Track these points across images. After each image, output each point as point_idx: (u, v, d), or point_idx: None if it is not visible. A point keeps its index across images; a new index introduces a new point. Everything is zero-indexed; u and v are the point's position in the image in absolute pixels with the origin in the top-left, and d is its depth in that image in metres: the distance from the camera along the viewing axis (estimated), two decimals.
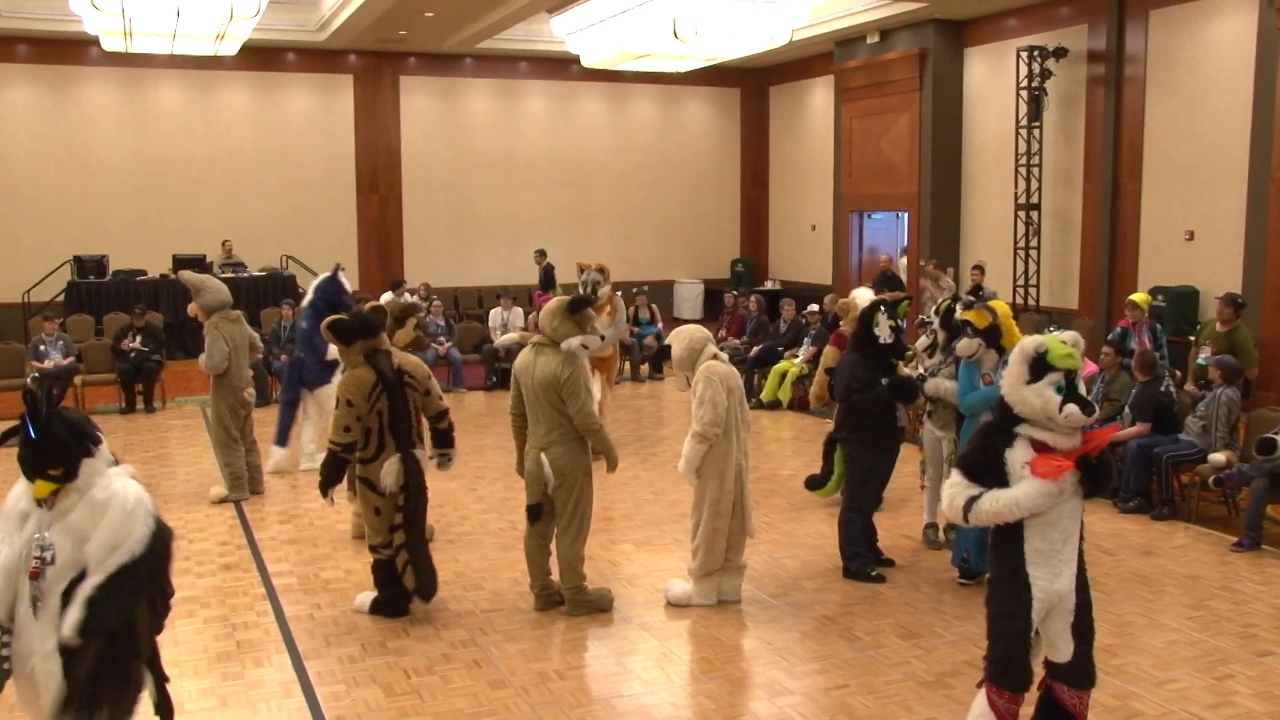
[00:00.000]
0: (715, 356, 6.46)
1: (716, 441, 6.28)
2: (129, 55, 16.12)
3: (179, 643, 5.93)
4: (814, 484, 8.58)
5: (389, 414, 6.17)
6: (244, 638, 6.10)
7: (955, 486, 4.32)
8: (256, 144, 19.10)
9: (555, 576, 6.48)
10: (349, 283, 10.03)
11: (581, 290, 9.77)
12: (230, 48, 15.02)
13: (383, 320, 6.44)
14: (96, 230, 18.00)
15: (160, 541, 3.76)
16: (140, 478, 3.91)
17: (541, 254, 17.28)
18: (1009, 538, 4.28)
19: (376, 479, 6.17)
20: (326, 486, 6.31)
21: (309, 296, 9.75)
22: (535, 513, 6.32)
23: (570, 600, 6.40)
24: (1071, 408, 4.12)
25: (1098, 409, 4.15)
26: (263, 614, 6.46)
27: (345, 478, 6.70)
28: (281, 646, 5.98)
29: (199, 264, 16.91)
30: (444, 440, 6.63)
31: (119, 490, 3.74)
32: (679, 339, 6.51)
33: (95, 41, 15.44)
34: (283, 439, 10.06)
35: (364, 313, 6.44)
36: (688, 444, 6.34)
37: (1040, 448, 4.22)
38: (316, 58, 19.16)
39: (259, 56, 18.29)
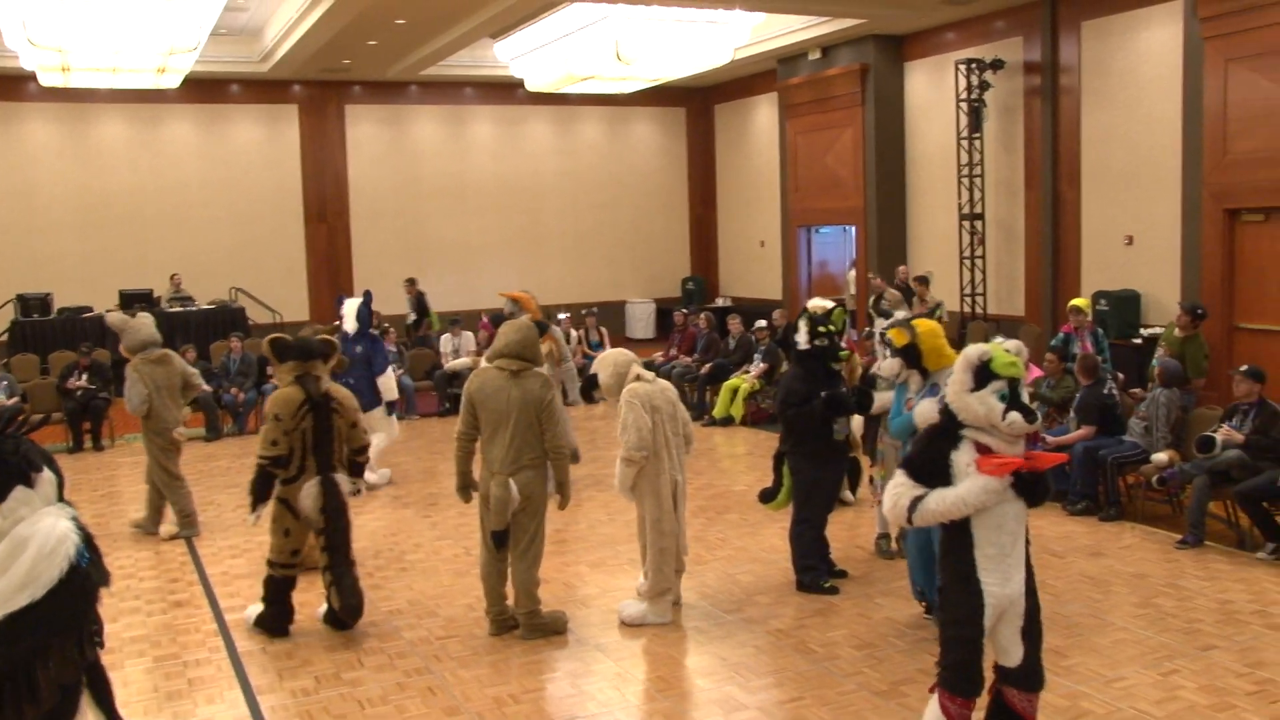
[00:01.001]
0: (639, 378, 6.53)
1: (646, 463, 6.38)
2: (69, 90, 16.00)
3: (129, 683, 5.86)
4: (765, 497, 8.63)
5: (313, 435, 6.32)
6: (196, 675, 6.04)
7: (900, 487, 4.37)
8: (202, 176, 18.98)
9: (510, 601, 6.47)
10: (349, 318, 10.44)
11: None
12: (172, 80, 14.97)
13: (325, 350, 6.56)
14: (41, 267, 17.78)
15: (73, 588, 3.66)
16: (84, 519, 3.87)
17: (411, 282, 17.29)
18: (959, 545, 4.33)
19: (294, 500, 6.33)
20: (255, 504, 6.42)
21: (351, 322, 10.03)
22: (501, 539, 6.28)
23: (525, 624, 6.40)
24: (1014, 415, 4.19)
25: (1040, 417, 4.21)
26: (215, 650, 6.40)
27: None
28: (234, 682, 5.93)
29: (146, 299, 16.78)
30: (357, 471, 6.77)
31: (44, 529, 3.67)
32: (603, 366, 6.61)
33: (33, 77, 15.31)
34: None
35: (307, 339, 6.66)
36: (618, 467, 6.47)
37: (984, 450, 4.28)
38: (261, 88, 19.09)
39: (202, 88, 18.20)
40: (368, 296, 10.35)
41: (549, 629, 6.42)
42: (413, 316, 17.30)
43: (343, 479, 6.48)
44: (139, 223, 18.59)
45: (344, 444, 6.55)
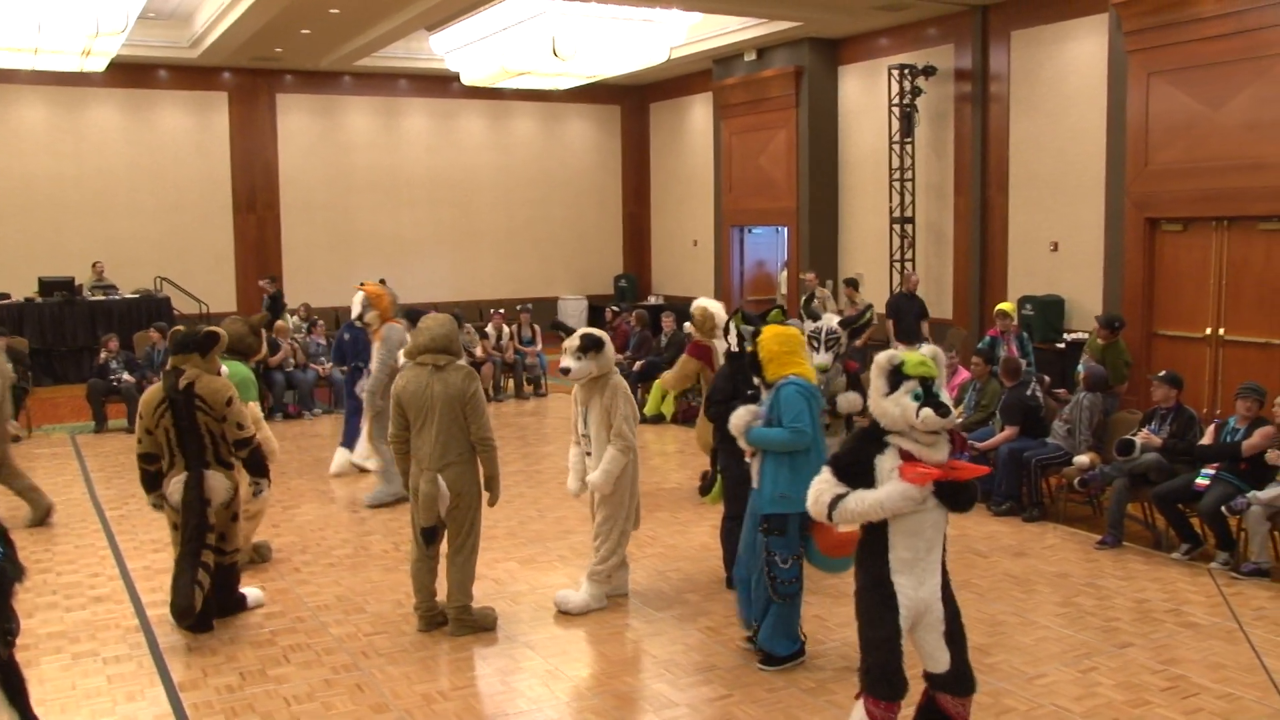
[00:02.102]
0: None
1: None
2: None
3: (45, 680, 5.72)
4: (703, 490, 8.83)
5: (174, 432, 6.27)
6: (115, 672, 5.91)
7: (823, 484, 4.40)
8: (128, 163, 18.57)
9: (441, 597, 6.44)
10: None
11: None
12: (97, 64, 14.62)
13: (201, 343, 6.41)
14: None
15: None
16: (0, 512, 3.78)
17: (271, 280, 16.81)
18: (875, 547, 4.39)
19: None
20: (147, 494, 6.47)
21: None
22: (431, 535, 6.25)
23: (454, 620, 6.36)
24: (926, 411, 4.23)
25: (954, 411, 4.27)
26: (135, 646, 6.27)
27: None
28: (156, 679, 5.81)
29: (67, 287, 16.42)
30: (253, 469, 6.62)
31: None
32: (607, 343, 6.64)
33: None
34: (349, 443, 10.54)
35: (182, 331, 6.54)
36: (613, 459, 6.47)
37: (908, 458, 4.34)
38: (190, 75, 18.73)
39: (129, 73, 17.82)
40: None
41: (478, 625, 6.39)
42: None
43: (215, 476, 6.33)
44: (61, 209, 18.14)
45: (218, 440, 6.36)
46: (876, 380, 4.38)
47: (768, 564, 5.73)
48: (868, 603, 4.41)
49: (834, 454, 4.55)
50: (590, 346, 6.50)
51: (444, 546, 6.36)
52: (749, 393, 6.85)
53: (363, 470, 10.47)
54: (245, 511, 7.22)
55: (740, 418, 5.80)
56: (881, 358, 4.41)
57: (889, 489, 4.27)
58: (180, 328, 6.73)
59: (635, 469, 6.79)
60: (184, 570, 6.21)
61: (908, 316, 13.48)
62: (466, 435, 6.19)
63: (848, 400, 7.84)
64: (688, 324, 9.73)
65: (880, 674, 4.36)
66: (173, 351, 6.44)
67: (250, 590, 6.88)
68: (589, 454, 6.66)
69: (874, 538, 4.41)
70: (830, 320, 7.96)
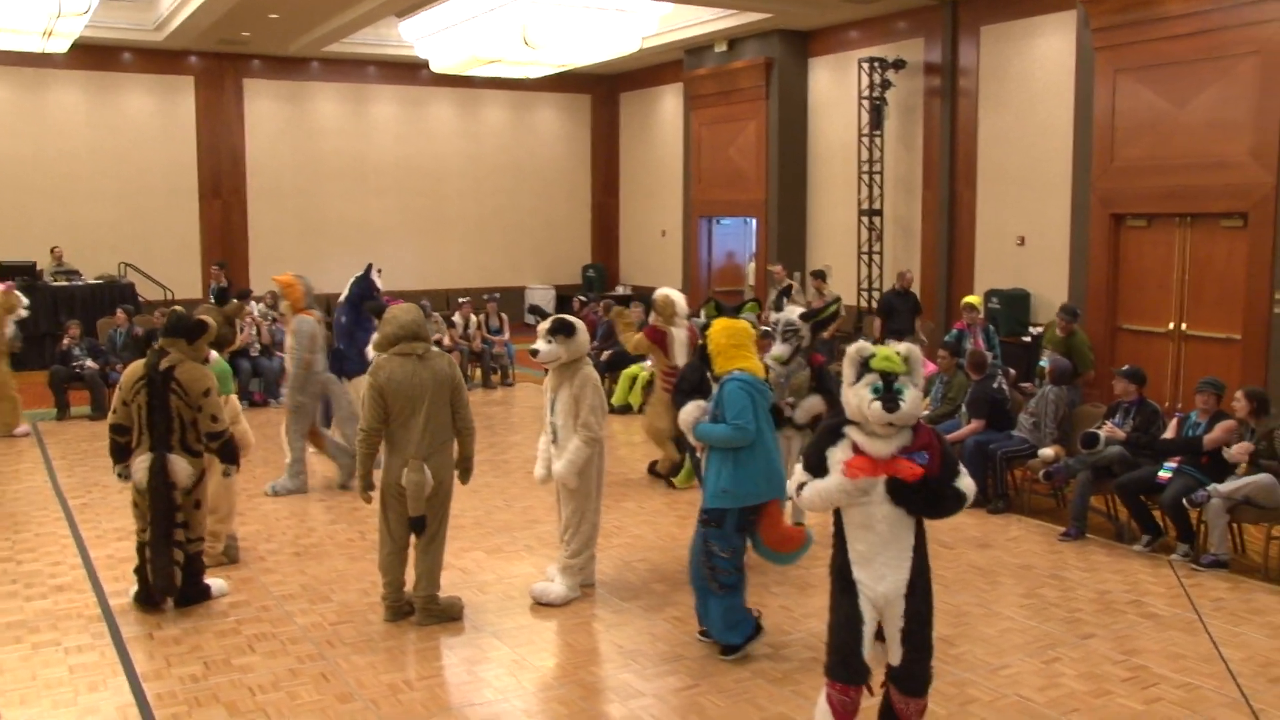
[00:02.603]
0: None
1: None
2: None
3: (4, 671, 5.66)
4: (673, 472, 8.89)
5: (146, 411, 6.33)
6: (77, 662, 5.85)
7: (796, 474, 4.58)
8: (91, 146, 18.33)
9: (409, 587, 6.42)
10: (380, 281, 10.54)
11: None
12: (60, 45, 14.42)
13: (189, 330, 6.48)
14: None
15: None
16: None
17: (220, 266, 16.77)
18: (838, 540, 4.53)
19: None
20: (115, 463, 6.51)
21: (346, 293, 10.22)
22: (422, 524, 6.21)
23: (421, 609, 6.34)
24: (875, 404, 4.32)
25: (903, 407, 4.32)
26: (98, 635, 6.21)
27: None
28: (119, 669, 5.75)
29: (29, 271, 16.19)
30: (224, 458, 6.64)
31: None
32: (580, 329, 6.59)
33: None
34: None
35: (176, 314, 6.63)
36: (577, 449, 6.45)
37: (859, 451, 4.42)
38: (155, 58, 18.51)
39: (93, 55, 17.59)
40: (368, 269, 10.38)
41: (445, 615, 6.38)
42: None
43: (178, 460, 6.35)
44: (21, 192, 17.88)
45: (187, 426, 6.39)
46: (846, 370, 4.46)
47: (706, 555, 5.73)
48: (834, 588, 4.53)
49: (804, 447, 4.65)
50: (560, 330, 6.48)
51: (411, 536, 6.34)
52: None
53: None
54: (215, 511, 7.18)
55: (689, 413, 5.82)
56: (853, 348, 4.48)
57: (827, 481, 4.40)
58: (178, 309, 6.81)
59: (602, 461, 6.78)
60: (160, 551, 6.35)
61: (900, 314, 13.33)
62: (450, 422, 6.18)
63: (807, 408, 7.73)
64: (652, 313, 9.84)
65: (838, 656, 4.48)
66: (163, 333, 6.53)
67: (214, 581, 6.82)
68: (555, 441, 6.64)
69: (837, 531, 4.53)
70: (791, 312, 7.92)
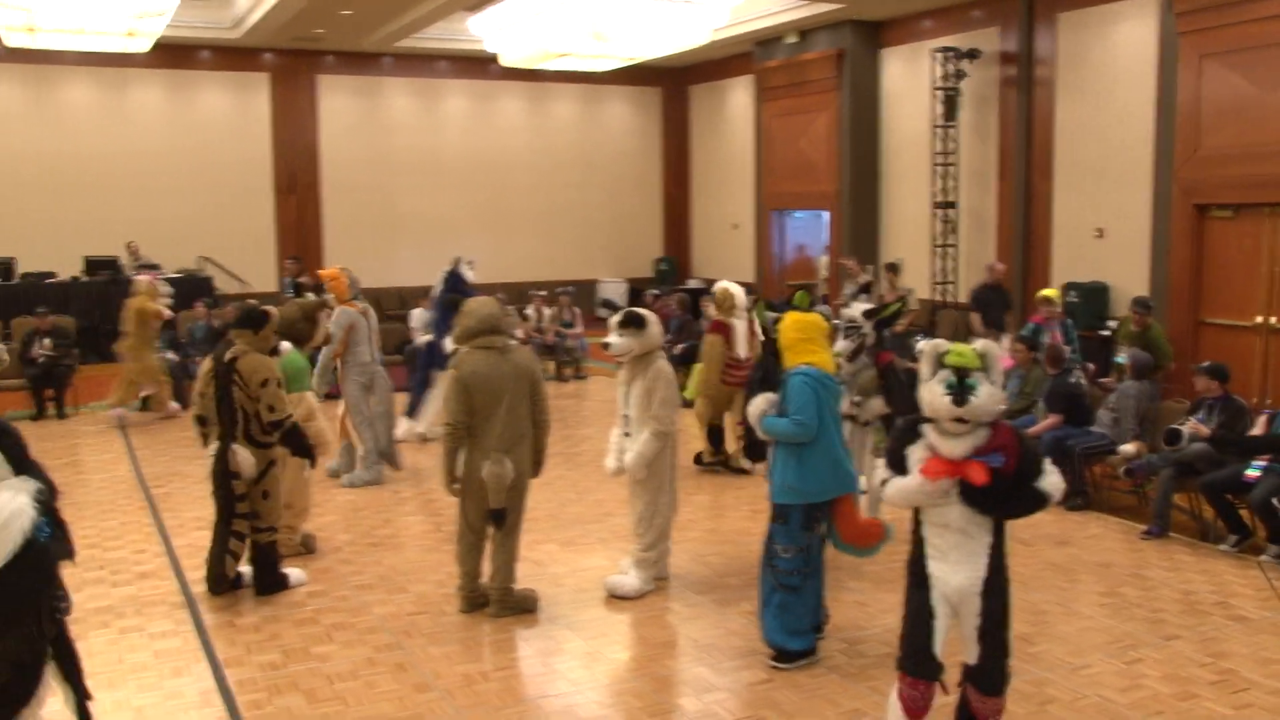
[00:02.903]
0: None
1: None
2: (35, 51, 15.71)
3: (93, 654, 5.79)
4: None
5: (214, 401, 6.51)
6: (161, 647, 5.98)
7: (879, 470, 4.60)
8: (170, 144, 18.71)
9: (484, 579, 6.46)
10: (470, 273, 10.82)
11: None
12: (142, 45, 14.71)
13: (252, 320, 6.66)
14: (4, 232, 17.47)
15: (28, 563, 3.61)
16: (46, 490, 3.80)
17: (294, 260, 16.89)
18: (914, 533, 4.54)
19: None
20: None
21: (438, 287, 10.64)
22: (502, 516, 6.26)
23: (496, 601, 6.38)
24: (945, 398, 4.29)
25: (970, 400, 4.27)
26: (181, 623, 6.34)
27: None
28: (200, 655, 5.88)
29: (111, 266, 16.58)
30: (295, 451, 6.77)
31: None
32: (652, 322, 6.59)
33: None
34: (413, 412, 11.10)
35: (244, 307, 6.92)
36: (647, 442, 6.44)
37: (934, 450, 4.41)
38: (231, 56, 18.83)
39: (172, 54, 17.93)
40: (455, 263, 10.67)
41: (520, 607, 6.41)
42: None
43: (241, 451, 6.46)
44: (104, 188, 18.31)
45: (250, 417, 6.49)
46: (923, 367, 4.46)
47: (770, 554, 5.65)
48: (909, 581, 4.54)
49: (887, 442, 4.69)
50: (631, 323, 6.48)
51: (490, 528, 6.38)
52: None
53: (425, 440, 10.88)
54: (290, 507, 7.31)
55: (757, 406, 5.73)
56: (930, 345, 4.48)
57: (906, 481, 4.42)
58: (251, 302, 7.04)
59: (674, 454, 6.77)
60: (217, 540, 6.58)
61: (993, 309, 12.67)
62: (528, 415, 6.22)
63: (872, 408, 7.65)
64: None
65: (909, 650, 4.48)
66: (231, 325, 6.76)
67: (293, 571, 6.93)
68: (628, 434, 6.63)
69: (915, 524, 4.54)
70: (854, 309, 7.82)
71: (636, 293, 20.54)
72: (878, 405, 7.52)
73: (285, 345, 7.12)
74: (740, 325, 9.64)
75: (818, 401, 5.50)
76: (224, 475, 6.49)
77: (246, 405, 6.47)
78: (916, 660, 4.44)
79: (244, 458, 6.48)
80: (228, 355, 6.50)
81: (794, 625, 5.66)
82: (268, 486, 6.64)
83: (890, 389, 7.43)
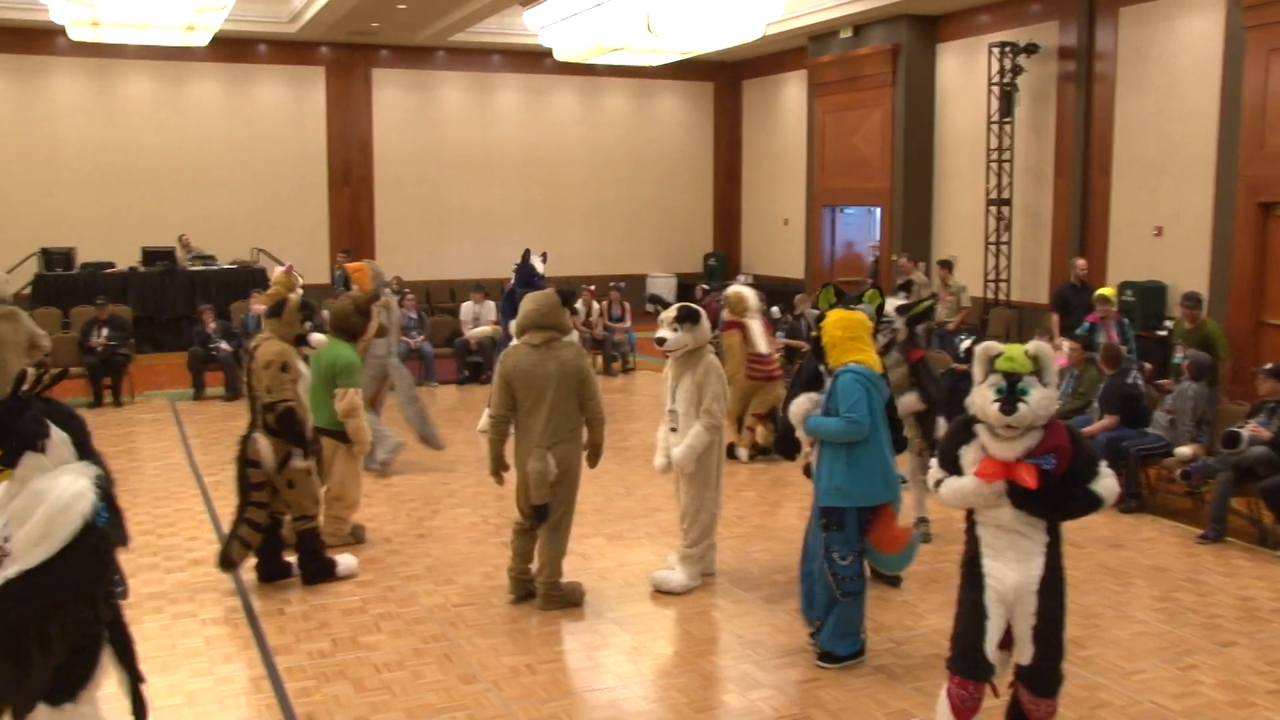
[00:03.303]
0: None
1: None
2: (97, 45, 15.99)
3: (146, 639, 5.85)
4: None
5: (246, 388, 6.73)
6: (212, 633, 6.06)
7: (933, 470, 4.59)
8: (226, 137, 18.95)
9: (534, 569, 6.50)
10: (542, 266, 10.82)
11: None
12: (200, 39, 14.93)
13: (276, 305, 6.82)
14: (64, 222, 17.81)
15: (88, 546, 3.65)
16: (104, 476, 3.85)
17: (346, 253, 16.78)
18: (970, 532, 4.49)
19: None
20: None
21: (513, 280, 10.78)
22: (544, 512, 6.25)
23: (543, 595, 6.40)
24: (994, 406, 4.26)
25: (1019, 409, 4.21)
26: (232, 610, 6.42)
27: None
28: (251, 642, 5.95)
29: (168, 257, 16.84)
30: (285, 436, 6.51)
31: (59, 485, 3.66)
32: (704, 316, 6.60)
33: (62, 31, 15.28)
34: None
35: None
36: (698, 435, 6.42)
37: (987, 451, 4.38)
38: (288, 49, 19.04)
39: (230, 48, 18.14)
40: (525, 255, 10.72)
41: (566, 600, 6.42)
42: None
43: (261, 439, 6.49)
44: (162, 181, 18.59)
45: (262, 406, 6.52)
46: (975, 369, 4.43)
47: (828, 561, 5.51)
48: (963, 579, 4.50)
49: (940, 442, 4.67)
50: (687, 318, 6.46)
51: None
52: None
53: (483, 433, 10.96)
54: (341, 499, 7.39)
55: (800, 406, 5.64)
56: (981, 347, 4.45)
57: (963, 482, 4.39)
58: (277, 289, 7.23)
59: (721, 450, 6.74)
60: (233, 525, 6.63)
61: (1076, 309, 11.82)
62: (577, 412, 6.21)
63: (903, 405, 7.56)
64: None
65: (960, 649, 4.43)
66: (266, 315, 6.89)
67: (344, 558, 6.98)
68: (674, 430, 6.61)
69: (970, 523, 4.50)
70: (887, 304, 7.72)
71: (686, 288, 20.51)
72: (911, 401, 7.39)
73: (317, 337, 7.04)
74: (755, 324, 9.93)
75: (869, 399, 5.41)
76: (244, 462, 6.55)
77: (261, 393, 6.51)
78: (968, 660, 4.39)
79: (263, 446, 6.49)
80: (253, 344, 6.69)
81: (849, 629, 5.62)
82: (291, 476, 6.55)
83: (923, 386, 7.34)
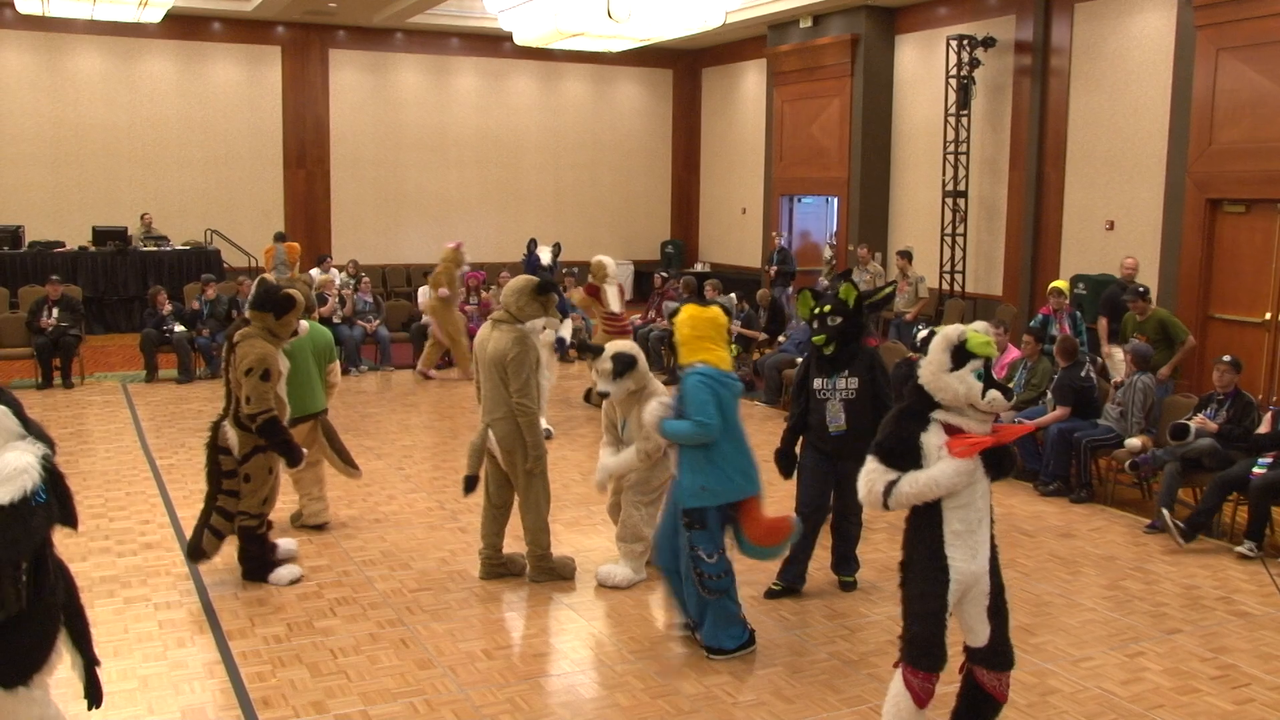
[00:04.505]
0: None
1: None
2: (46, 19, 15.70)
3: (99, 623, 5.76)
4: None
5: (224, 375, 6.61)
6: (165, 618, 6.00)
7: (873, 473, 4.35)
8: (180, 115, 18.69)
9: (505, 550, 6.66)
10: (545, 255, 11.21)
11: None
12: (154, 15, 14.70)
13: (276, 302, 6.40)
14: (11, 200, 17.51)
15: (13, 517, 3.57)
16: (53, 455, 3.80)
17: (280, 238, 16.63)
18: (927, 521, 4.34)
19: None
20: None
21: (547, 258, 11.26)
22: (470, 484, 6.46)
23: (533, 567, 6.56)
24: (994, 393, 4.22)
25: (1015, 395, 4.24)
26: (186, 593, 6.37)
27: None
28: (205, 626, 5.90)
29: (120, 236, 16.58)
30: (272, 447, 6.33)
31: (5, 460, 3.61)
32: (639, 356, 6.48)
33: (10, 3, 14.98)
34: None
35: (265, 285, 6.69)
36: (632, 456, 6.39)
37: (952, 431, 4.30)
38: (243, 28, 18.79)
39: (183, 25, 17.89)
40: (557, 248, 10.96)
41: (556, 574, 6.58)
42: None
43: (229, 429, 6.33)
44: (113, 159, 18.31)
45: (236, 401, 6.33)
46: (939, 355, 4.30)
47: (694, 561, 5.48)
48: (919, 574, 4.36)
49: (876, 441, 4.43)
50: (625, 369, 6.36)
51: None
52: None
53: None
54: (321, 480, 7.44)
55: (652, 411, 5.62)
56: (950, 332, 4.34)
57: (942, 467, 4.23)
58: (266, 277, 7.04)
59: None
60: (202, 513, 6.47)
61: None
62: (504, 395, 6.29)
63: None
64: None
65: (923, 645, 4.32)
66: (252, 304, 6.53)
67: (284, 541, 6.84)
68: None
69: (927, 512, 4.34)
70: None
71: (643, 275, 20.54)
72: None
73: (304, 325, 6.96)
74: (611, 289, 11.46)
75: (717, 400, 5.39)
76: (214, 449, 6.41)
77: (235, 388, 6.34)
78: (931, 656, 4.31)
79: (231, 436, 6.34)
80: (236, 335, 6.39)
81: (728, 622, 5.60)
82: (249, 470, 6.35)
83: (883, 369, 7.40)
